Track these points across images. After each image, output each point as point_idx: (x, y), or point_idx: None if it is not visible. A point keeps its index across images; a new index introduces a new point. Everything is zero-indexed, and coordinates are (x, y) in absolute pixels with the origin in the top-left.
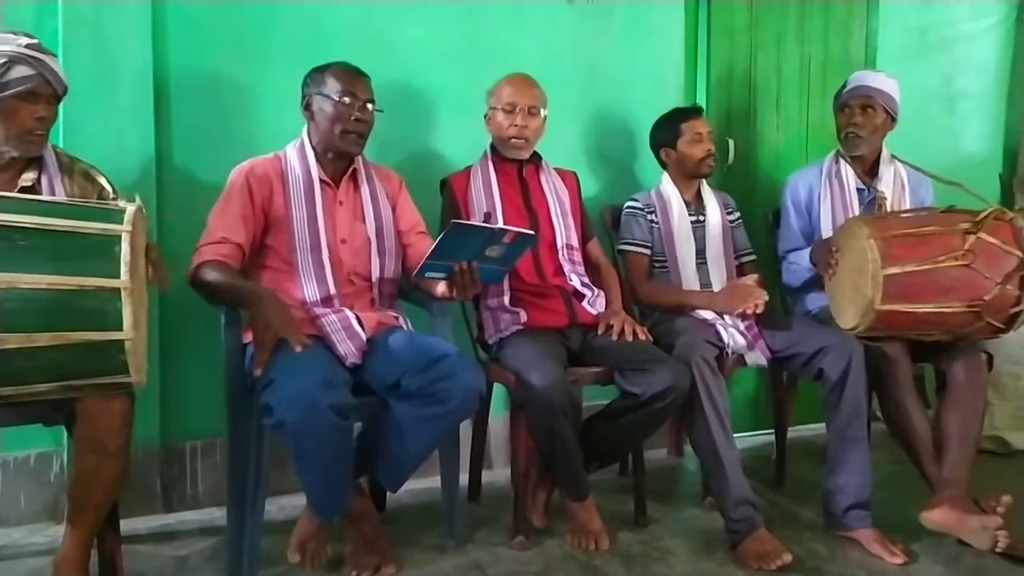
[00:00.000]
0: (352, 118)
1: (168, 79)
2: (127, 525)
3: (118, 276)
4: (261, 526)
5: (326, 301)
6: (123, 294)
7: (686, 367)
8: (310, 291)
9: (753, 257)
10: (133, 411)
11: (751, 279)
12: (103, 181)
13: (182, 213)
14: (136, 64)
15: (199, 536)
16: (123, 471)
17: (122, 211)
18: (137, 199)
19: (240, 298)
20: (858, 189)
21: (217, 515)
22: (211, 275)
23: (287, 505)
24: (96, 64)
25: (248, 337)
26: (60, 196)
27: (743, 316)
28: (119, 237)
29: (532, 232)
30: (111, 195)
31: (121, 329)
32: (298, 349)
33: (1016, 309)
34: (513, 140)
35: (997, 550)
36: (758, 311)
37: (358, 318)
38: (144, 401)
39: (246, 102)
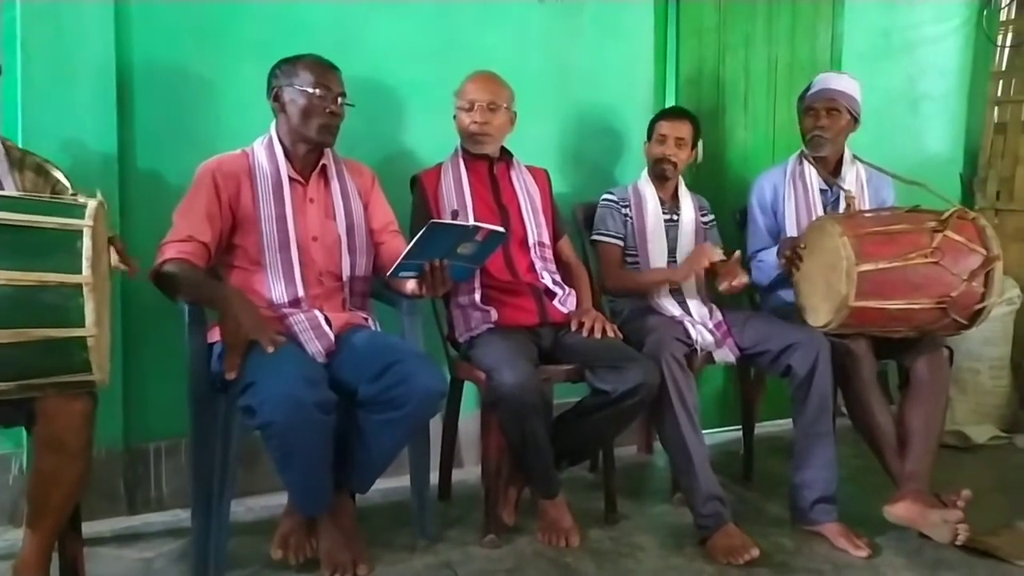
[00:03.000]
0: (327, 111)
1: (131, 73)
2: (89, 528)
3: (80, 271)
4: (227, 527)
5: (295, 303)
6: (85, 290)
7: (656, 364)
8: (278, 292)
9: (724, 258)
10: (95, 410)
11: (707, 244)
12: (57, 174)
13: (145, 210)
14: (98, 57)
15: (164, 538)
16: (85, 472)
17: (83, 206)
18: (98, 194)
19: (208, 299)
20: (821, 190)
21: (182, 517)
22: (175, 274)
23: (255, 506)
24: (56, 57)
25: (214, 336)
26: (10, 191)
27: (727, 289)
28: (81, 232)
29: (503, 230)
30: (67, 189)
31: (83, 325)
32: (270, 350)
33: (980, 305)
34: (475, 136)
35: (957, 543)
36: (734, 284)
37: (327, 318)
38: (107, 401)
39: (211, 97)
